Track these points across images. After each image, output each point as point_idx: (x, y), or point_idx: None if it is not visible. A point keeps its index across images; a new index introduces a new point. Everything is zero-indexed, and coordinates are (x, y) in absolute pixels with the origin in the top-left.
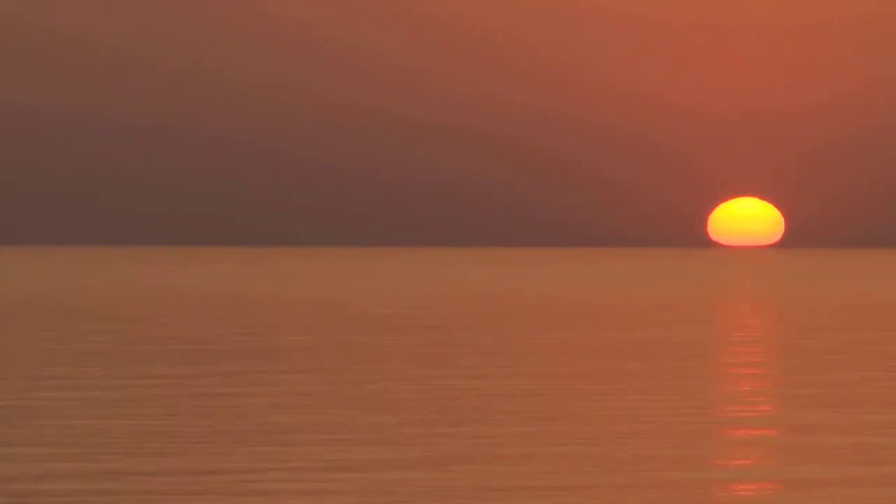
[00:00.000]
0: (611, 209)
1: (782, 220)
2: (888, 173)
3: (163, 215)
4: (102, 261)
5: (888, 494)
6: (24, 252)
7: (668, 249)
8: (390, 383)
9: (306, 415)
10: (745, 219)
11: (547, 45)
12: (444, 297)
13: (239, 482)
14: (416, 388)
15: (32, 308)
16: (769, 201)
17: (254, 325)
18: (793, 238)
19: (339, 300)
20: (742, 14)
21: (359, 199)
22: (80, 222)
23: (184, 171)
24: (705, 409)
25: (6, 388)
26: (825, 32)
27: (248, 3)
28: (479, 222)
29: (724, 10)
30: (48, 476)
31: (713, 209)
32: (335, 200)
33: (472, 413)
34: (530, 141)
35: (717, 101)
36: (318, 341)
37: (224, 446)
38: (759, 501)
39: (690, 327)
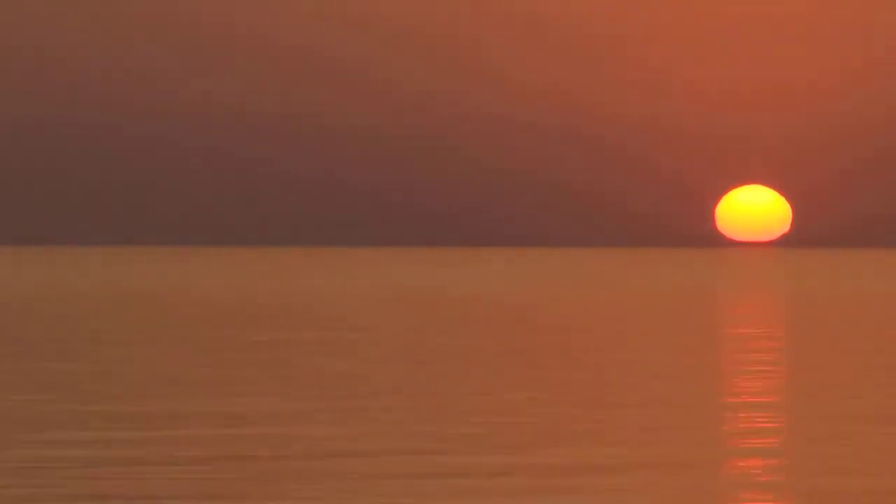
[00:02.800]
0: (612, 204)
1: (790, 210)
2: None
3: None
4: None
5: None
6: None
7: (679, 250)
8: None
9: None
10: (753, 211)
11: (544, 24)
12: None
13: None
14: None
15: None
16: (776, 189)
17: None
18: (800, 230)
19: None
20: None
21: (357, 200)
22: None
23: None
24: None
25: None
26: (834, 17)
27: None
28: (475, 223)
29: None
30: None
31: (719, 199)
32: (335, 202)
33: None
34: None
35: (720, 88)
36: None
37: None
38: None
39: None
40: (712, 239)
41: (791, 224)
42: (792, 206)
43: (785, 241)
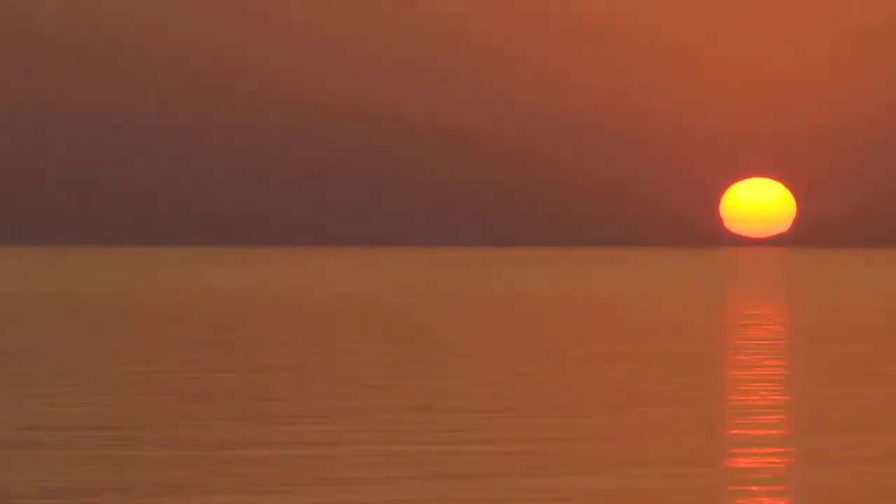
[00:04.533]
0: (618, 198)
1: (794, 203)
2: None
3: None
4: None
5: None
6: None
7: (691, 250)
8: None
9: None
10: (758, 206)
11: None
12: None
13: None
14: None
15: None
16: (781, 181)
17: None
18: (806, 221)
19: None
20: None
21: (358, 199)
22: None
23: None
24: None
25: None
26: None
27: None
28: (481, 222)
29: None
30: None
31: (723, 193)
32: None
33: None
34: (528, 140)
35: (726, 82)
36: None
37: None
38: None
39: None
40: (718, 235)
41: (795, 217)
42: (796, 199)
43: (791, 235)
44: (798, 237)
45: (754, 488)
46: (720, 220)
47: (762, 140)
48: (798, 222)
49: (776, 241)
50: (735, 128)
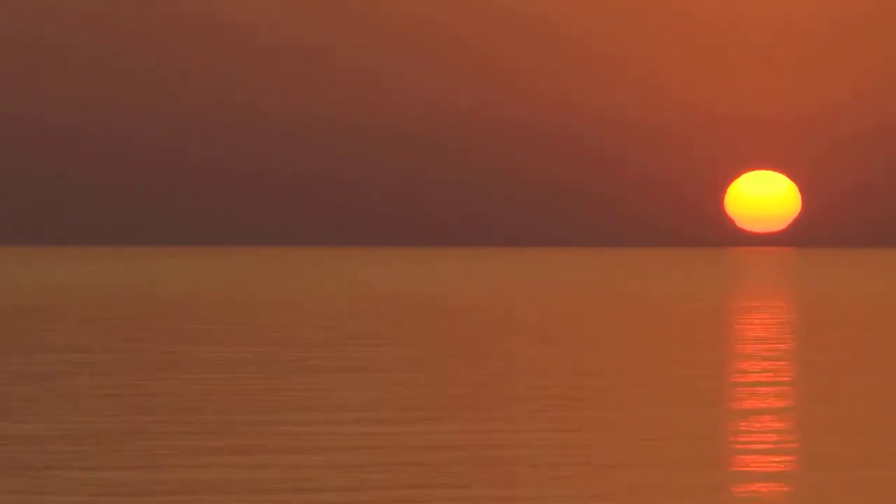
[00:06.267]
0: (621, 199)
1: (799, 195)
2: None
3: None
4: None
5: None
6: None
7: (701, 250)
8: None
9: None
10: (762, 199)
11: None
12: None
13: None
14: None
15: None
16: (784, 174)
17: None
18: (810, 214)
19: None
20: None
21: (360, 200)
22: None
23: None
24: None
25: None
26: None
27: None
28: (492, 222)
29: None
30: None
31: (727, 187)
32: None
33: None
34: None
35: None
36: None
37: None
38: None
39: None
40: (725, 229)
41: (801, 209)
42: (801, 190)
43: (797, 226)
44: (805, 228)
45: None
46: (726, 215)
47: (766, 134)
48: (804, 213)
49: (774, 238)
50: (738, 122)
